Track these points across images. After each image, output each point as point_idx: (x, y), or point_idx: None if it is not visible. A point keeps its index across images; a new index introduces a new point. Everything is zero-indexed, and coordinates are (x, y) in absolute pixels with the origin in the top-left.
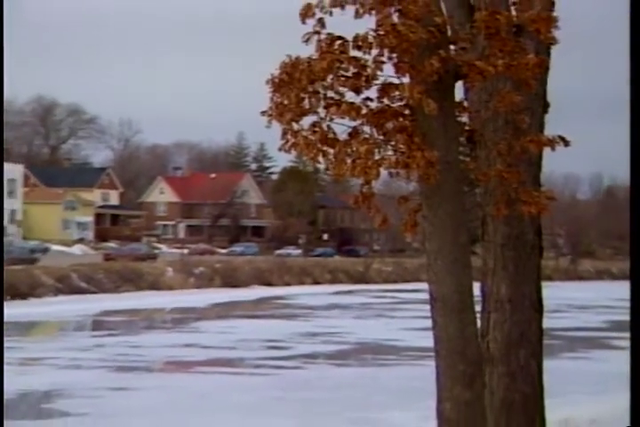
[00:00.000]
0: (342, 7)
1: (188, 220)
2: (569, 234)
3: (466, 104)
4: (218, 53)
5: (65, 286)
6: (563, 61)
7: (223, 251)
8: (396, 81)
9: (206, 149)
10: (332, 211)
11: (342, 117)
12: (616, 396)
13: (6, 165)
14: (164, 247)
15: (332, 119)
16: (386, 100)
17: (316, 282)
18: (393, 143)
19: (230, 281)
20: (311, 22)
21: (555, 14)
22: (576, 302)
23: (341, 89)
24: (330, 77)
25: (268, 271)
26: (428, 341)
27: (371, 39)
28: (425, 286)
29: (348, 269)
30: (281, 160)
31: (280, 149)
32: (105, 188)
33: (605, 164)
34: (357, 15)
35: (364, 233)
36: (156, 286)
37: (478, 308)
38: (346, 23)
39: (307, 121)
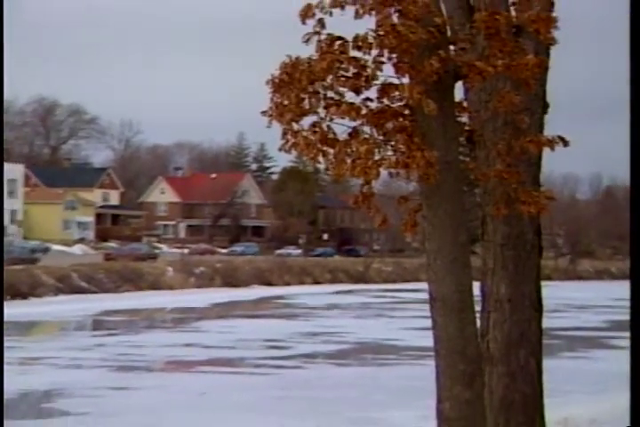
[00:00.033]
0: (342, 8)
1: (188, 220)
2: (568, 234)
3: (465, 104)
4: (218, 53)
5: (65, 285)
6: (563, 61)
7: (223, 251)
8: (395, 81)
9: (207, 150)
10: (332, 211)
11: (342, 118)
12: (616, 395)
13: (7, 166)
14: (164, 247)
15: (332, 119)
16: (386, 101)
17: (316, 282)
18: (393, 143)
19: (231, 281)
20: (311, 23)
21: (554, 15)
22: (575, 301)
23: (341, 89)
24: (330, 78)
25: (269, 271)
26: (427, 340)
27: (371, 39)
28: (425, 285)
29: (347, 268)
30: (281, 160)
31: (280, 150)
32: (105, 188)
33: (605, 164)
34: (357, 16)
35: (364, 233)
36: (156, 285)
37: (478, 307)
38: (346, 23)
39: (307, 121)
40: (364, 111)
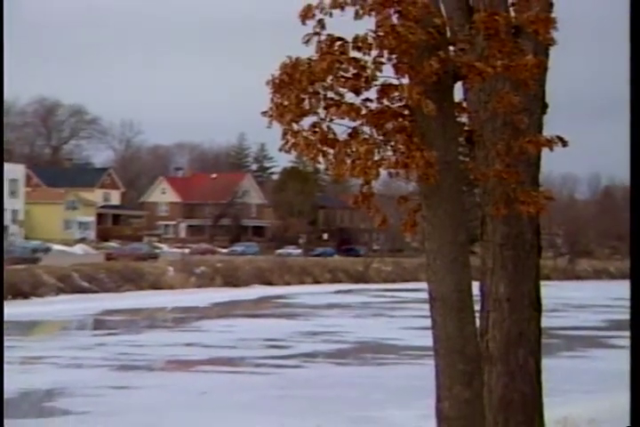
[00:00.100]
0: (342, 8)
1: (189, 220)
2: (567, 234)
3: (465, 105)
4: (218, 53)
5: (66, 285)
6: (562, 62)
7: (224, 250)
8: (395, 82)
9: (207, 150)
10: (332, 211)
11: (342, 118)
12: (615, 395)
13: (8, 166)
14: (165, 247)
15: (331, 120)
16: (385, 101)
17: (317, 281)
18: (392, 144)
19: (231, 280)
20: (311, 23)
21: (553, 15)
22: (574, 301)
23: (341, 90)
24: (330, 78)
25: (269, 271)
26: (427, 340)
27: (370, 40)
28: (424, 285)
29: (347, 268)
30: (281, 160)
31: (280, 150)
32: (106, 188)
33: (603, 164)
34: (357, 16)
35: (364, 233)
36: (157, 285)
37: (477, 307)
38: (346, 24)
39: (307, 121)
40: (363, 112)
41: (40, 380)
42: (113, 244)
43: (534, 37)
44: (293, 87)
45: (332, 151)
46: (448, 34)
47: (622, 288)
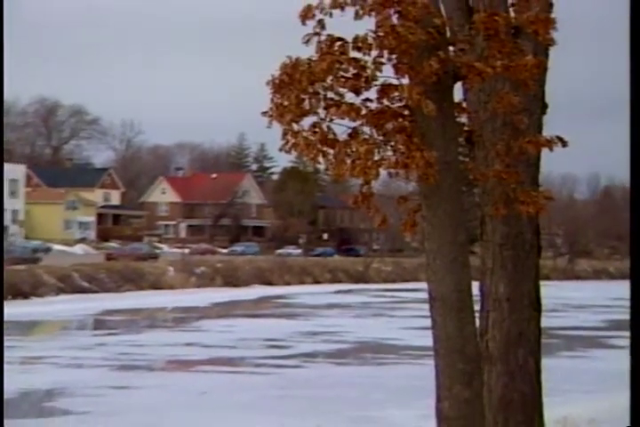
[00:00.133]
0: (342, 9)
1: (189, 220)
2: (567, 234)
3: (464, 105)
4: (218, 53)
5: (67, 285)
6: (562, 62)
7: (224, 250)
8: (395, 82)
9: (208, 150)
10: (332, 211)
11: (342, 118)
12: (615, 395)
13: (9, 166)
14: (165, 247)
15: (331, 120)
16: (385, 101)
17: (316, 281)
18: (392, 144)
19: (231, 280)
20: (311, 23)
21: (553, 15)
22: (574, 301)
23: (341, 90)
24: (330, 78)
25: (269, 271)
26: (427, 340)
27: (370, 40)
28: (424, 285)
29: (347, 268)
30: (281, 160)
31: (280, 150)
32: (107, 188)
33: (603, 164)
34: (357, 17)
35: (364, 233)
36: (157, 285)
37: (477, 307)
38: (346, 25)
39: (307, 122)
40: (363, 112)
41: (40, 380)
42: (113, 244)
43: (534, 38)
44: (293, 87)
45: (332, 151)
46: (448, 34)
47: (622, 288)
